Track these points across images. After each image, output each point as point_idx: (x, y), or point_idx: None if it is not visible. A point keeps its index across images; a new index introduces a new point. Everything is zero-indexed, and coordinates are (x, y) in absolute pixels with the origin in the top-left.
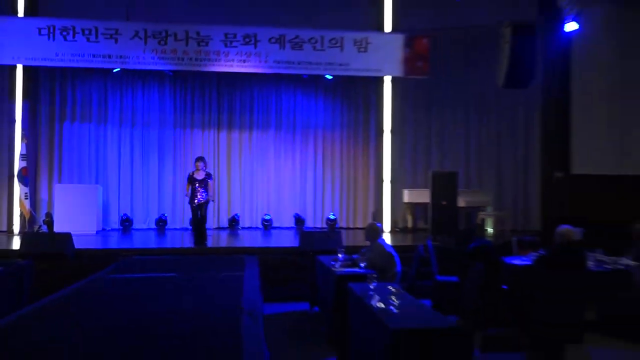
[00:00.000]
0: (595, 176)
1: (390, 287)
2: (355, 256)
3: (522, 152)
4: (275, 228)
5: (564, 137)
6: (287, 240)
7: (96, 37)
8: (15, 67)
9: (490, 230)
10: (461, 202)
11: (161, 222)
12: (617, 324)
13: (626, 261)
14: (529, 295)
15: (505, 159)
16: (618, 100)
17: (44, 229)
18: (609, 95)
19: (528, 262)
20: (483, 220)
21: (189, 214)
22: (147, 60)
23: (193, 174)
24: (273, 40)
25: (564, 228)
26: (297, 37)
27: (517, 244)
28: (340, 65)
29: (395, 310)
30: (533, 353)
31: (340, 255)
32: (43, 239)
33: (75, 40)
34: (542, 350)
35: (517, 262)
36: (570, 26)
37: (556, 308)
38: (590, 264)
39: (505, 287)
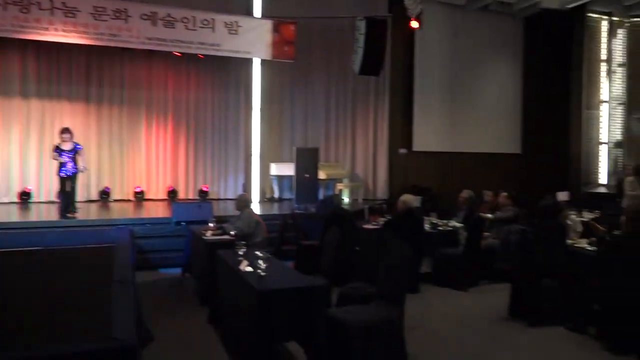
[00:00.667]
0: (431, 153)
1: (257, 253)
2: (224, 225)
3: (372, 131)
4: (147, 200)
5: (408, 119)
6: (160, 211)
7: None
8: None
9: (346, 199)
10: (321, 175)
11: (25, 195)
12: (445, 274)
13: (454, 223)
14: (378, 253)
15: (359, 137)
16: (447, 91)
17: None
18: (442, 85)
19: (377, 226)
20: (340, 191)
21: (56, 186)
22: (8, 28)
23: (59, 145)
24: (145, 16)
25: (406, 196)
26: (169, 15)
27: (368, 211)
28: (212, 45)
29: (262, 274)
30: (379, 302)
31: (211, 224)
32: None
33: None
34: (386, 299)
35: (368, 226)
36: (414, 24)
37: (398, 265)
38: (427, 226)
39: (358, 248)
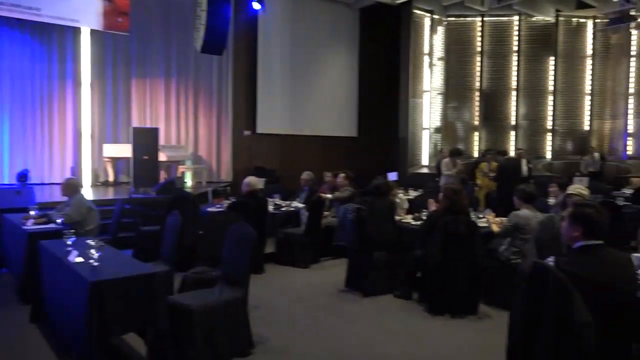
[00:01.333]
0: (275, 135)
1: (89, 241)
2: (50, 212)
3: (216, 112)
4: None
5: (252, 101)
6: None
7: None
8: None
9: (189, 182)
10: (162, 157)
11: None
12: (288, 253)
13: (296, 204)
14: (220, 237)
15: (202, 117)
16: (290, 75)
17: None
18: (285, 69)
19: (221, 209)
20: (182, 173)
21: None
22: None
23: None
24: None
25: (250, 178)
26: None
27: (212, 194)
28: (30, 9)
29: (94, 263)
30: (223, 285)
31: (33, 212)
32: None
33: None
34: (230, 282)
35: (211, 209)
36: (255, 5)
37: (242, 246)
38: (270, 207)
39: (201, 232)
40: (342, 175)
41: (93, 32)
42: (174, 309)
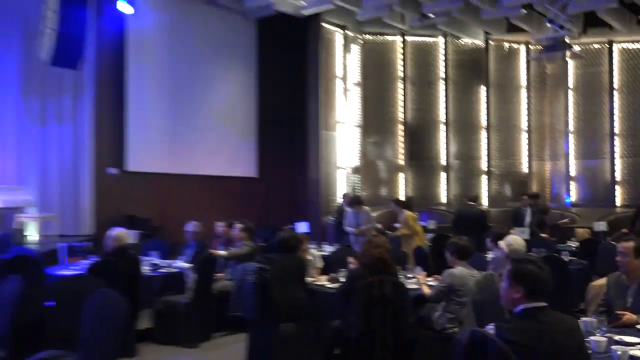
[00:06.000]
0: (149, 174)
1: None
2: None
3: (72, 142)
4: None
5: (119, 131)
6: None
7: None
8: None
9: (33, 236)
10: None
11: None
12: (170, 328)
13: (180, 263)
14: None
15: (52, 149)
16: (170, 99)
17: None
18: (163, 91)
19: (80, 271)
20: (23, 224)
21: None
22: None
23: None
24: None
25: (118, 231)
26: None
27: (66, 251)
28: None
29: None
30: None
31: None
32: None
33: None
34: None
35: (65, 272)
36: (124, 7)
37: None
38: (145, 268)
39: (51, 303)
40: (239, 226)
41: None
42: None
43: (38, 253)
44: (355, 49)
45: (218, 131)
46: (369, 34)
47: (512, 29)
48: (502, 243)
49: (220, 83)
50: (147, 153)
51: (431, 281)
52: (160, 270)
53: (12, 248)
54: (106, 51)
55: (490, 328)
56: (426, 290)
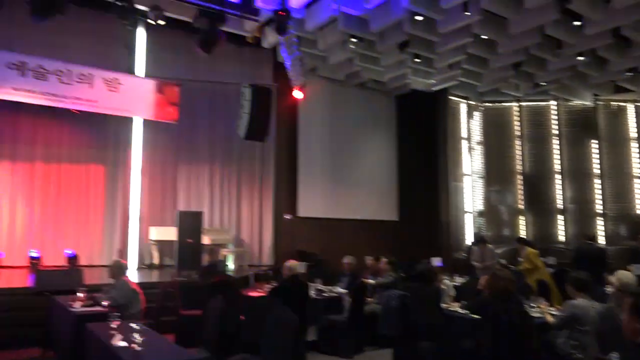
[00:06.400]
0: (316, 219)
1: (132, 325)
2: (97, 295)
3: (258, 196)
4: (4, 267)
5: (292, 185)
6: (20, 279)
7: None
8: None
9: (231, 265)
10: (205, 240)
11: None
12: (331, 341)
13: (338, 289)
14: (262, 323)
15: (245, 201)
16: (329, 159)
17: None
18: (325, 154)
19: (264, 293)
20: (225, 257)
21: None
22: None
23: None
24: (12, 65)
25: (291, 262)
26: (40, 67)
27: (254, 278)
28: (89, 101)
29: (137, 348)
30: None
31: (80, 294)
32: None
33: None
34: None
35: (253, 293)
36: (297, 94)
37: (284, 333)
38: (312, 292)
39: (242, 317)
40: (384, 260)
41: (146, 121)
42: None
43: (235, 278)
44: (477, 115)
45: (367, 184)
46: (489, 102)
47: (620, 89)
48: (612, 278)
49: (368, 146)
50: (313, 202)
51: (553, 311)
52: (323, 294)
53: (217, 274)
54: (283, 126)
55: (614, 357)
56: (549, 318)
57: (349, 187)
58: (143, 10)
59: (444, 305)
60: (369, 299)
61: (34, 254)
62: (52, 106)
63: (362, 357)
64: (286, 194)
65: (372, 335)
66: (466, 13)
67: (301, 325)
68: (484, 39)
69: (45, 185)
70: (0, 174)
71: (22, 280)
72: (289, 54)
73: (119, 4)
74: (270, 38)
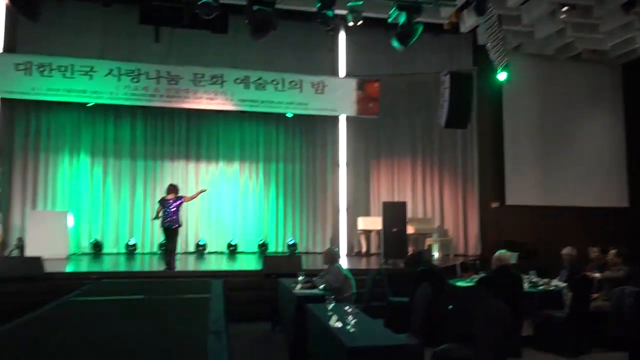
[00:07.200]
0: (525, 207)
1: (346, 308)
2: (314, 279)
3: (462, 184)
4: (240, 253)
5: (499, 172)
6: (252, 264)
7: (72, 73)
8: None
9: (436, 254)
10: (410, 229)
11: (131, 247)
12: (549, 338)
13: (556, 283)
14: (471, 313)
15: (448, 190)
16: (540, 142)
17: (16, 253)
18: (534, 137)
19: (470, 284)
20: (430, 246)
21: (158, 239)
22: (120, 96)
23: (164, 197)
24: (238, 80)
25: (501, 253)
26: (260, 78)
27: (460, 267)
28: (300, 104)
29: (351, 329)
30: None
31: (300, 278)
32: (14, 263)
33: (52, 76)
34: None
35: (460, 283)
36: (501, 76)
37: (496, 326)
38: (526, 285)
39: (450, 306)
40: (613, 251)
41: (349, 118)
42: None
43: (439, 268)
44: None
45: (585, 167)
46: None
47: None
48: None
49: (586, 124)
50: (522, 190)
51: None
52: (539, 288)
53: (422, 263)
54: (486, 111)
55: None
56: None
57: (564, 172)
58: (343, 15)
59: None
60: (594, 295)
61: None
62: (269, 112)
63: (588, 358)
64: (492, 182)
65: (600, 336)
66: None
67: (514, 318)
68: None
69: (268, 182)
70: (231, 176)
71: (255, 264)
72: (490, 34)
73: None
74: (469, 21)
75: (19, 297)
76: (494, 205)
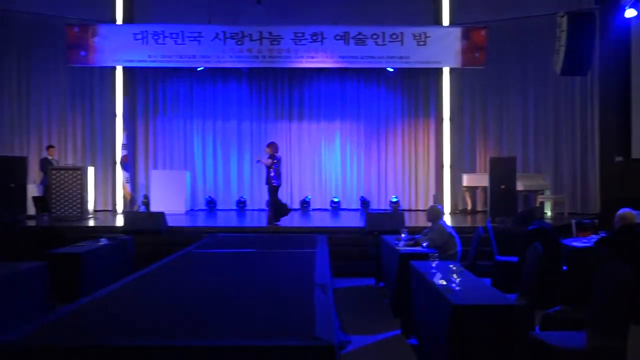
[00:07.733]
0: None
1: (451, 266)
2: (417, 236)
3: (579, 136)
4: (342, 210)
5: (624, 122)
6: (354, 221)
7: (182, 39)
8: (115, 68)
9: (549, 212)
10: (519, 186)
11: (241, 204)
12: None
13: None
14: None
15: (563, 143)
16: None
17: (142, 209)
18: None
19: (588, 244)
20: (542, 203)
21: (265, 196)
22: (226, 59)
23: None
24: (338, 37)
25: (625, 211)
26: (359, 33)
27: (576, 227)
28: (401, 58)
29: (457, 287)
30: (594, 331)
31: (403, 235)
32: (142, 218)
33: (165, 44)
34: (602, 328)
35: (576, 244)
36: (630, 12)
37: (618, 289)
38: None
39: (565, 268)
40: None
41: (452, 70)
42: (537, 348)
43: (552, 227)
44: None
45: None
46: None
47: None
48: None
49: None
50: None
51: None
52: None
53: (533, 221)
54: (610, 55)
55: None
56: None
57: None
58: None
59: None
60: None
61: (363, 199)
62: (369, 68)
63: None
64: (615, 134)
65: None
66: None
67: (638, 282)
68: None
69: (369, 139)
70: (333, 133)
71: (357, 220)
72: None
73: None
74: None
75: (146, 248)
76: (618, 159)
